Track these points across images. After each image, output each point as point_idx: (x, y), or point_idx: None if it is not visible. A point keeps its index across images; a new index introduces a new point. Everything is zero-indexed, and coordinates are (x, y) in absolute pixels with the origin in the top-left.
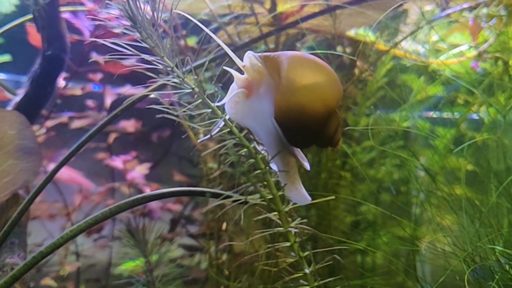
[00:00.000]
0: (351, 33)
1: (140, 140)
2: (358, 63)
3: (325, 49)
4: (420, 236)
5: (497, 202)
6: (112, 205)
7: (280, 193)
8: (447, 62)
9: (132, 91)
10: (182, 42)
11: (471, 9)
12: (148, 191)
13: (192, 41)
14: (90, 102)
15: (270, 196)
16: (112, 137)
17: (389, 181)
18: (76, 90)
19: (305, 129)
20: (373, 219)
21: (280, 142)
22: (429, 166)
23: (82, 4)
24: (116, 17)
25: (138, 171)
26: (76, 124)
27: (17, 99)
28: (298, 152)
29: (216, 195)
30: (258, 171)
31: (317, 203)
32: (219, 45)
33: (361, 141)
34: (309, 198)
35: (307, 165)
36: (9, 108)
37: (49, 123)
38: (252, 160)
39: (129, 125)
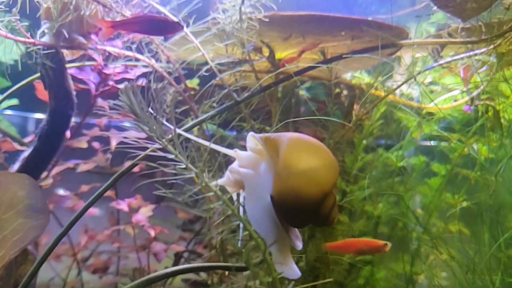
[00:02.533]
0: (347, 76)
1: (143, 177)
2: (355, 106)
3: (322, 91)
4: (417, 271)
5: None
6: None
7: (280, 275)
8: (441, 108)
9: (136, 134)
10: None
11: (462, 58)
12: (152, 233)
13: (194, 83)
14: (96, 144)
15: (270, 279)
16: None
17: (386, 217)
18: (82, 143)
19: (300, 211)
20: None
21: (274, 220)
22: (425, 203)
23: (90, 58)
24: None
25: (143, 214)
26: (82, 168)
27: (25, 154)
28: (294, 230)
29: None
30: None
31: (314, 243)
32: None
33: (357, 179)
34: (299, 273)
35: (299, 245)
36: (18, 163)
37: (56, 169)
38: (252, 243)
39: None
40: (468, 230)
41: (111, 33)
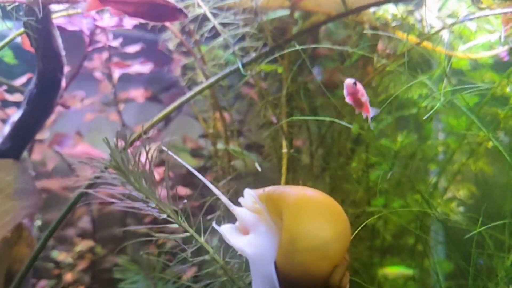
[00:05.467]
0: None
1: None
2: (379, 46)
3: (343, 30)
4: (434, 204)
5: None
6: None
7: None
8: (476, 56)
9: (139, 68)
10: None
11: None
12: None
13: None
14: (98, 74)
15: None
16: None
17: (405, 151)
18: (76, 100)
19: (308, 286)
20: (386, 187)
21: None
22: (449, 140)
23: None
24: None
25: None
26: (86, 102)
27: (14, 118)
28: None
29: None
30: None
31: (329, 171)
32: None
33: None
34: None
35: None
36: (8, 126)
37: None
38: None
39: None
40: (492, 169)
41: (97, 7)
